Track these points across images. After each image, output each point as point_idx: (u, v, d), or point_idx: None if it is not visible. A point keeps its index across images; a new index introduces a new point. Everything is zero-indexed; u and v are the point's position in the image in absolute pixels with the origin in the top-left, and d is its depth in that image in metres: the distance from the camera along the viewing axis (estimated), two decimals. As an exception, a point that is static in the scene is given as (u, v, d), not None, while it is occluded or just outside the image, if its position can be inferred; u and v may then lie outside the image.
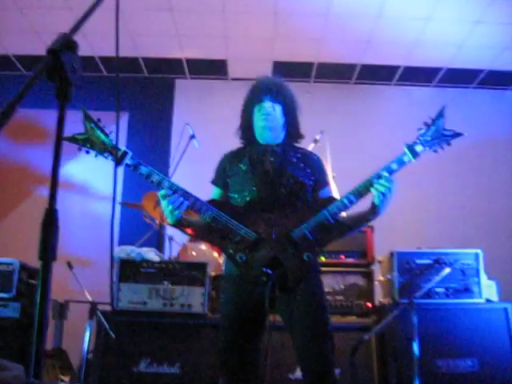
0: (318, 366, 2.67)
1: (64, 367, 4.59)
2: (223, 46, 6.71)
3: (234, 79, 7.45)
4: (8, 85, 6.93)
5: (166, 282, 4.01)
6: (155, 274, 4.05)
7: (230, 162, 2.99)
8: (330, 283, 4.27)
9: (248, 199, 2.82)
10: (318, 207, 2.72)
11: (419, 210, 6.77)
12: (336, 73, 7.28)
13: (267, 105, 2.87)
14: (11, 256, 4.33)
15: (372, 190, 2.64)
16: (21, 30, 6.31)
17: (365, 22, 6.12)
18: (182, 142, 5.57)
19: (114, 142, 2.63)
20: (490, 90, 7.53)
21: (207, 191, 3.03)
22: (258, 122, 2.92)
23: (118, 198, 6.28)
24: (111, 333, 3.79)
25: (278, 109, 2.89)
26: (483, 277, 4.10)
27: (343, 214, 2.72)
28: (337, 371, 3.74)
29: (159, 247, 5.11)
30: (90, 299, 3.98)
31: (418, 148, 2.66)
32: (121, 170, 2.64)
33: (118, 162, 2.63)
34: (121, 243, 4.56)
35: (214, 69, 7.30)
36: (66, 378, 4.48)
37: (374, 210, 2.70)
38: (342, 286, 4.31)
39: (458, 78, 7.23)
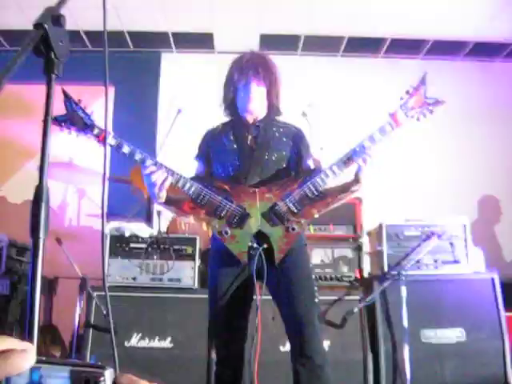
0: (306, 336, 2.69)
1: (55, 343, 4.60)
2: (209, 19, 6.64)
3: (220, 52, 7.39)
4: (-8, 60, 6.84)
5: (155, 257, 4.02)
6: (145, 249, 4.05)
7: (213, 137, 3.01)
8: (319, 255, 4.29)
9: (232, 174, 2.84)
10: (302, 180, 2.74)
11: (407, 182, 6.79)
12: (323, 45, 7.24)
13: (253, 89, 2.88)
14: (0, 232, 4.31)
15: (355, 159, 2.66)
16: (4, 5, 6.21)
17: (352, -7, 6.08)
18: (169, 116, 5.54)
19: (96, 122, 2.62)
20: (477, 62, 7.52)
21: (194, 164, 3.03)
22: (243, 103, 2.94)
23: (107, 173, 6.24)
24: (102, 308, 3.80)
25: (263, 91, 2.91)
26: (471, 247, 4.13)
27: (327, 185, 2.73)
28: (327, 343, 3.77)
29: (148, 222, 5.10)
30: (80, 275, 3.98)
31: (400, 116, 2.69)
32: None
33: (100, 142, 2.62)
34: (110, 218, 4.55)
35: (200, 42, 7.22)
36: (57, 354, 4.49)
37: (356, 181, 2.73)
38: (331, 258, 4.33)
39: (445, 49, 7.20)
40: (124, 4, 6.23)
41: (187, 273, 3.99)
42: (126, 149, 2.65)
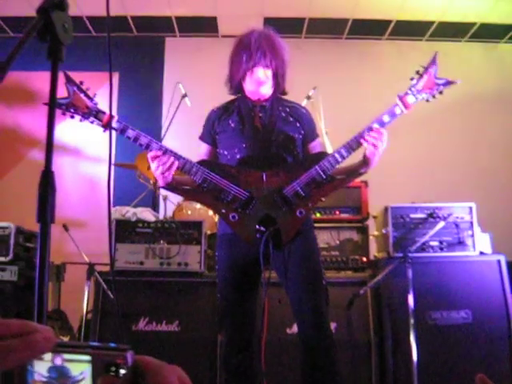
0: (313, 319, 2.72)
1: (64, 328, 4.63)
2: (213, 3, 6.62)
3: (224, 36, 7.37)
4: (-5, 47, 6.83)
5: (162, 242, 4.03)
6: (151, 234, 4.06)
7: (218, 117, 2.98)
8: (325, 239, 4.29)
9: (238, 157, 2.83)
10: (310, 163, 2.72)
11: (413, 165, 6.79)
12: (327, 28, 7.21)
13: (261, 72, 2.86)
14: (6, 220, 4.33)
15: (363, 142, 2.65)
16: (7, -10, 6.21)
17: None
18: (174, 101, 5.54)
19: (99, 106, 2.60)
20: (482, 43, 7.48)
21: (199, 144, 3.03)
22: (250, 85, 2.92)
23: (112, 159, 6.25)
24: (109, 293, 3.82)
25: (270, 73, 2.88)
26: (477, 230, 4.13)
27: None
28: (333, 325, 3.79)
29: (154, 207, 5.11)
30: (87, 260, 4.01)
31: (410, 99, 2.67)
32: (113, 131, 2.61)
33: (103, 126, 2.60)
34: (116, 204, 4.55)
35: (204, 26, 7.21)
36: (66, 339, 4.52)
37: (365, 163, 2.72)
38: (338, 242, 4.34)
39: (450, 31, 7.17)
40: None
41: (194, 257, 4.00)
42: (130, 133, 2.63)
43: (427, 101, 2.69)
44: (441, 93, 2.67)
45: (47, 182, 1.24)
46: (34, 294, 1.21)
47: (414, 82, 2.67)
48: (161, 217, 4.80)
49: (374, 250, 4.54)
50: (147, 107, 7.11)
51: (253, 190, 2.71)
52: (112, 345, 0.74)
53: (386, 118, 2.66)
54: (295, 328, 3.85)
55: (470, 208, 4.15)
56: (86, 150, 7.03)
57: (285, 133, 2.88)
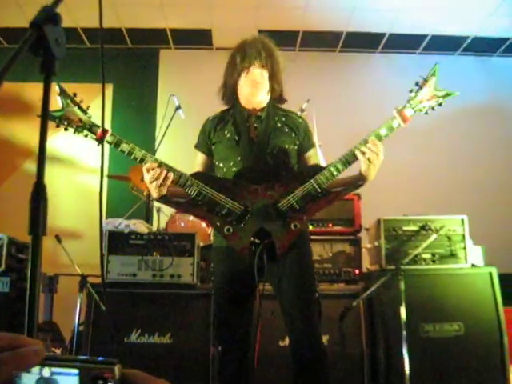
0: (305, 331, 2.72)
1: (56, 340, 4.61)
2: (207, 16, 6.65)
3: (218, 49, 7.40)
4: (-10, 58, 6.83)
5: (155, 253, 4.03)
6: (144, 246, 4.05)
7: (213, 127, 2.97)
8: (317, 251, 4.30)
9: (234, 169, 2.83)
10: (305, 176, 2.71)
11: (405, 177, 6.80)
12: (321, 41, 7.24)
13: (256, 72, 2.84)
14: (-1, 231, 4.32)
15: (359, 156, 2.63)
16: (3, 2, 6.21)
17: (349, -11, 6.08)
18: (168, 113, 5.55)
19: (93, 119, 2.59)
20: (475, 57, 7.53)
21: (193, 161, 3.03)
22: (246, 87, 2.90)
23: (105, 171, 6.25)
24: (102, 305, 3.81)
25: (266, 75, 2.87)
26: (469, 242, 4.14)
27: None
28: (326, 337, 3.79)
29: (147, 219, 5.11)
30: (80, 272, 4.00)
31: (408, 112, 2.63)
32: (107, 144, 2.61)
33: (97, 140, 2.59)
34: (109, 215, 4.55)
35: (198, 38, 7.23)
36: (58, 351, 4.50)
37: (361, 177, 2.70)
38: (330, 254, 4.35)
39: (443, 44, 7.22)
40: (122, 1, 6.23)
41: (187, 269, 4.00)
42: (124, 147, 2.62)
43: (426, 113, 2.65)
44: (440, 105, 2.63)
45: (39, 195, 1.25)
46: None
47: (413, 94, 2.64)
48: (154, 229, 4.80)
49: (366, 263, 4.55)
50: (141, 119, 7.12)
51: (248, 204, 2.70)
52: (100, 358, 0.75)
53: (383, 132, 2.63)
54: (288, 340, 3.85)
55: (462, 220, 4.17)
56: (79, 161, 7.02)
57: (280, 145, 2.87)
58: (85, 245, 5.62)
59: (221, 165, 2.90)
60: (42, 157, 1.26)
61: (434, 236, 3.99)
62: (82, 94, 2.62)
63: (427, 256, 4.09)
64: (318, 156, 3.04)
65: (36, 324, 1.23)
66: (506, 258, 5.38)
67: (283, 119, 2.97)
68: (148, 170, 2.62)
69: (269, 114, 2.93)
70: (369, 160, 2.60)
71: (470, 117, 7.12)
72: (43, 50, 1.27)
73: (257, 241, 2.67)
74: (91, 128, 2.58)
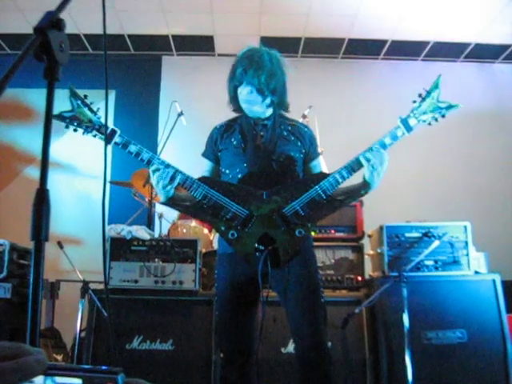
0: (312, 337, 2.71)
1: (57, 346, 4.60)
2: (210, 22, 6.66)
3: (220, 55, 7.41)
4: (-7, 64, 6.85)
5: (157, 260, 4.02)
6: (146, 252, 4.05)
7: (221, 135, 2.99)
8: (320, 258, 4.29)
9: (240, 176, 2.84)
10: (310, 183, 2.71)
11: (408, 184, 6.80)
12: (323, 47, 7.25)
13: (244, 91, 2.87)
14: (1, 236, 4.31)
15: (363, 163, 2.64)
16: (5, 8, 6.23)
17: (351, -5, 6.09)
18: (170, 120, 5.55)
19: (102, 120, 2.61)
20: (477, 63, 7.53)
21: (196, 168, 3.03)
22: (241, 102, 2.94)
23: (108, 177, 6.25)
24: (103, 311, 3.80)
25: (254, 91, 2.85)
26: (472, 249, 4.13)
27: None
28: (328, 344, 3.78)
29: (149, 225, 5.10)
30: (82, 278, 3.99)
31: (412, 122, 2.65)
32: (109, 148, 2.62)
33: (106, 140, 2.62)
34: (111, 222, 4.54)
35: (200, 45, 7.25)
36: (60, 357, 4.49)
37: (365, 185, 2.71)
38: (333, 261, 4.34)
39: (446, 51, 7.23)
40: (124, 7, 6.24)
41: (189, 275, 3.99)
42: (132, 148, 2.65)
43: (429, 124, 2.67)
44: (443, 116, 2.66)
45: (41, 200, 1.24)
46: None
47: (417, 104, 2.66)
48: (156, 235, 4.79)
49: (369, 269, 4.53)
50: (143, 125, 7.12)
51: (252, 208, 2.70)
52: (103, 367, 0.74)
53: (387, 140, 2.64)
54: (290, 347, 3.84)
55: (465, 227, 4.15)
56: (81, 168, 7.03)
57: (286, 152, 2.88)
58: (86, 251, 5.61)
59: (227, 171, 2.91)
60: (45, 162, 1.26)
61: (436, 242, 3.97)
62: (85, 99, 2.64)
63: (430, 263, 4.07)
64: (323, 165, 3.03)
65: (38, 331, 1.22)
66: (510, 264, 5.36)
67: (289, 128, 2.98)
68: (155, 172, 2.63)
69: (275, 122, 2.95)
70: (373, 167, 2.61)
71: (472, 123, 7.11)
72: (47, 55, 1.27)
73: (261, 247, 2.66)
74: (100, 128, 2.61)
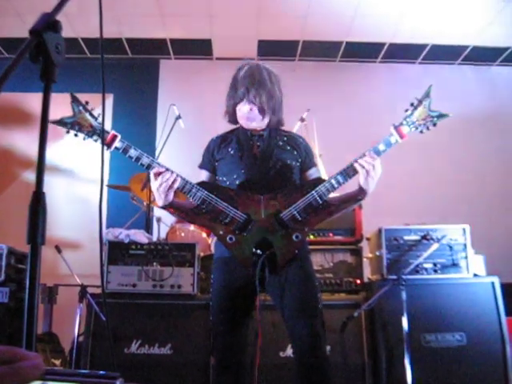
0: (310, 342, 2.70)
1: (55, 351, 4.59)
2: (207, 26, 6.66)
3: (218, 59, 7.41)
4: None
5: (155, 264, 4.01)
6: (144, 256, 4.04)
7: (217, 146, 3.03)
8: (319, 261, 4.29)
9: (237, 182, 2.85)
10: (307, 188, 2.74)
11: (406, 187, 6.79)
12: (321, 50, 7.25)
13: (245, 108, 2.90)
14: (-1, 240, 4.30)
15: (358, 168, 2.67)
16: (3, 12, 6.22)
17: (349, -2, 6.09)
18: (168, 123, 5.55)
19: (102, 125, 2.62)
20: (474, 66, 7.54)
21: (194, 172, 3.03)
22: (240, 119, 2.97)
23: (105, 181, 6.24)
24: (102, 315, 3.79)
25: (255, 109, 2.90)
26: (471, 252, 4.13)
27: (332, 194, 2.75)
28: (327, 348, 3.76)
29: (147, 229, 5.09)
30: (80, 282, 3.98)
31: (405, 129, 2.71)
32: (107, 152, 2.62)
33: (107, 145, 2.62)
34: (109, 225, 4.54)
35: (198, 48, 7.25)
36: (57, 362, 4.48)
37: (361, 190, 2.74)
38: (331, 264, 4.33)
39: (443, 54, 7.23)
40: (122, 11, 6.24)
41: (187, 279, 3.99)
42: (132, 152, 2.66)
43: (421, 132, 2.74)
44: (434, 125, 2.73)
45: (38, 204, 1.23)
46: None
47: (409, 112, 2.73)
48: (154, 239, 4.78)
49: (367, 272, 4.53)
50: (141, 128, 7.11)
51: (251, 213, 2.72)
52: (101, 372, 0.73)
53: (381, 147, 2.70)
54: (288, 351, 3.83)
55: (464, 230, 4.15)
56: (79, 171, 7.02)
57: (282, 160, 2.91)
58: (84, 255, 5.61)
59: (224, 179, 2.92)
60: (41, 165, 1.25)
61: (435, 245, 3.97)
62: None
63: (429, 265, 4.07)
64: (319, 175, 3.06)
65: (35, 335, 1.21)
66: (508, 267, 5.36)
67: (285, 138, 3.03)
68: (156, 175, 2.64)
69: (271, 132, 3.00)
70: (367, 172, 2.65)
71: (469, 126, 7.11)
72: (43, 56, 1.26)
73: (259, 252, 2.67)
74: (101, 134, 2.61)
